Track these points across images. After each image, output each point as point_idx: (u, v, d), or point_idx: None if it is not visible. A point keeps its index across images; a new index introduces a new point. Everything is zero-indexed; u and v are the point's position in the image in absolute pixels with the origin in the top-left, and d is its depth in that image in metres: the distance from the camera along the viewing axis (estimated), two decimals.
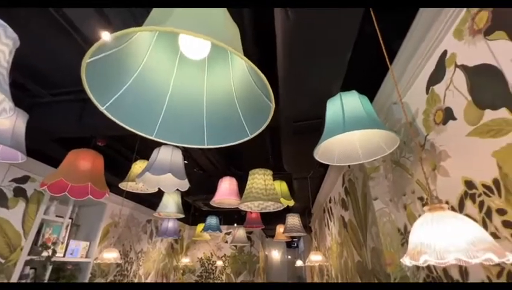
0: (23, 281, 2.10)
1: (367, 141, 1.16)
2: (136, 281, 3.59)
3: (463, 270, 0.91)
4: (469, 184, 0.84)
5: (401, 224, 1.35)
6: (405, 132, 1.24)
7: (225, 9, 0.56)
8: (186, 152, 2.47)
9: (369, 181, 1.57)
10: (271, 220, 4.31)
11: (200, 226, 4.16)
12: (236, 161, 2.90)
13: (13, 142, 1.22)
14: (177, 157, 1.72)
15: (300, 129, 1.67)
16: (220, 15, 0.52)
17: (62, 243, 2.49)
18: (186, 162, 2.52)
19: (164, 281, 4.52)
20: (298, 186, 2.94)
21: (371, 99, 1.44)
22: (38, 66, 1.59)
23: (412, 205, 1.22)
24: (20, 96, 1.76)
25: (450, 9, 0.84)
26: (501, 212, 0.73)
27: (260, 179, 1.94)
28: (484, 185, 0.78)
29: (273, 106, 0.54)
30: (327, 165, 2.50)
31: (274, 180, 2.72)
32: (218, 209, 4.25)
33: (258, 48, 1.32)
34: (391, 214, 1.45)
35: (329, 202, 3.00)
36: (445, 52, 0.91)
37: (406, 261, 0.55)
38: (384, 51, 0.76)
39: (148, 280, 3.95)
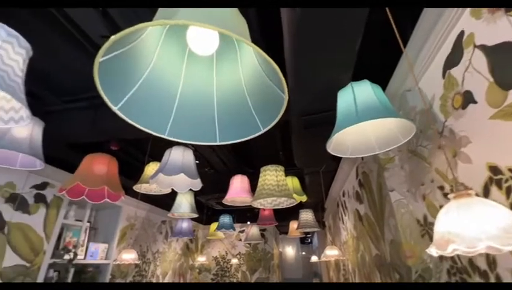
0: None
1: (381, 131, 1.13)
2: (154, 281, 3.66)
3: (491, 259, 0.87)
4: (494, 170, 0.80)
5: (420, 215, 1.31)
6: (421, 119, 1.20)
7: (235, 8, 0.55)
8: (197, 152, 2.49)
9: (384, 172, 1.53)
10: (284, 216, 4.30)
11: (214, 225, 4.19)
12: (247, 159, 2.90)
13: (31, 149, 1.26)
14: (189, 157, 1.73)
15: (310, 123, 1.65)
16: (227, 11, 0.51)
17: (82, 246, 2.57)
18: (197, 161, 2.54)
19: (181, 280, 4.60)
20: (310, 181, 2.91)
21: (382, 89, 1.40)
22: (50, 75, 1.63)
23: (431, 195, 1.18)
24: (34, 104, 1.81)
25: None
26: None
27: (272, 175, 1.93)
28: (511, 170, 0.74)
29: (286, 97, 0.53)
30: (339, 159, 2.46)
31: (285, 176, 2.71)
32: (230, 208, 4.28)
33: (264, 41, 1.30)
34: (409, 205, 1.41)
35: (343, 196, 2.96)
36: (462, 33, 0.86)
37: (432, 251, 0.53)
38: (396, 32, 0.74)
39: (166, 280, 4.02)
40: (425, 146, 1.20)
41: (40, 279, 2.05)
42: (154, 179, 1.65)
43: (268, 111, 0.62)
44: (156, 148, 2.17)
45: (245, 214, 4.62)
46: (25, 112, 0.88)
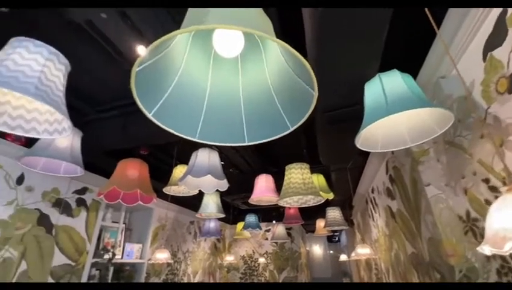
0: (91, 281, 2.35)
1: (414, 123, 1.06)
2: (185, 279, 3.79)
3: None
4: None
5: (462, 210, 1.22)
6: (459, 107, 1.11)
7: (260, 8, 0.55)
8: (222, 153, 2.54)
9: (418, 166, 1.44)
10: (310, 215, 4.23)
11: (240, 225, 4.24)
12: (271, 158, 2.89)
13: (72, 158, 1.36)
14: (215, 159, 1.76)
15: (334, 118, 1.60)
16: (254, 11, 0.51)
17: (119, 246, 2.73)
18: (222, 163, 2.58)
19: (211, 279, 4.71)
20: (336, 178, 2.84)
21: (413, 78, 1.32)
22: (84, 88, 1.75)
23: (474, 188, 1.09)
24: (71, 116, 1.96)
25: None
26: None
27: (297, 173, 1.91)
28: None
29: (315, 93, 0.52)
30: (367, 154, 2.37)
31: (311, 173, 2.67)
32: (256, 207, 4.31)
33: (285, 39, 1.29)
34: (448, 200, 1.31)
35: (372, 192, 2.84)
36: (505, 11, 0.79)
37: (485, 249, 0.49)
38: (428, 13, 0.69)
39: (197, 278, 4.14)
40: (464, 136, 1.11)
41: (84, 277, 2.21)
42: (183, 181, 1.70)
43: (296, 109, 0.61)
44: (183, 151, 2.24)
45: (270, 213, 4.62)
46: (66, 123, 0.95)
